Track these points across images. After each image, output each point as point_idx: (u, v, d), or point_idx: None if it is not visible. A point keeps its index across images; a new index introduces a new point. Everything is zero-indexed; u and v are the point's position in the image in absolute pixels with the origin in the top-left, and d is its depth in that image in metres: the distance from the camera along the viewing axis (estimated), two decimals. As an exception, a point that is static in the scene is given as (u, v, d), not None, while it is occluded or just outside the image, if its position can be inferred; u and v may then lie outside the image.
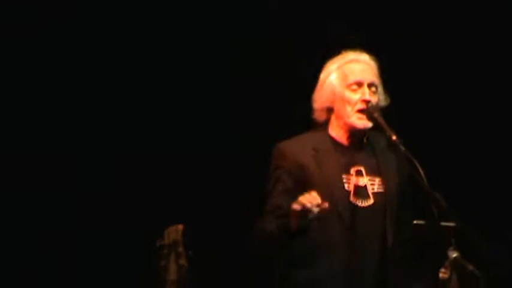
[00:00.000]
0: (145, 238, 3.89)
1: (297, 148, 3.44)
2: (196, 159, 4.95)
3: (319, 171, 3.34)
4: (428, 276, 3.65)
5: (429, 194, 3.29)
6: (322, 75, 3.53)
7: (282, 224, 3.25)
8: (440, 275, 3.60)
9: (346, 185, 3.37)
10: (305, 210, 3.07)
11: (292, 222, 3.15)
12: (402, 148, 3.29)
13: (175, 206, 4.59)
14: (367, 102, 3.36)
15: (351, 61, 3.50)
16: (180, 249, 3.78)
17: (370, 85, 3.40)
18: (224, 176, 4.77)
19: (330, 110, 3.44)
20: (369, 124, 3.35)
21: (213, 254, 4.57)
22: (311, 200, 3.07)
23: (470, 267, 3.60)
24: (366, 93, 3.38)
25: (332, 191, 3.31)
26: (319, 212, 3.09)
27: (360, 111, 3.35)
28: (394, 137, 3.31)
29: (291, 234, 3.22)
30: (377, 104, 3.40)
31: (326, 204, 3.15)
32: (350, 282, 3.39)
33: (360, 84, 3.41)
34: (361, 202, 3.44)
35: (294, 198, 3.18)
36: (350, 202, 3.40)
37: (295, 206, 3.10)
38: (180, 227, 3.80)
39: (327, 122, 3.49)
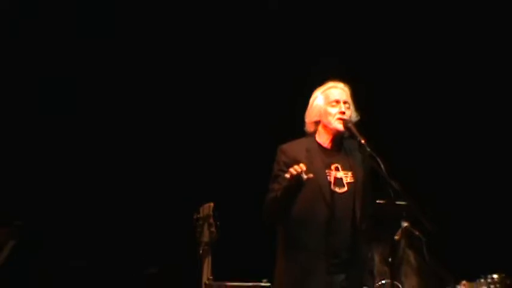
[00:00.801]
0: (187, 212, 5.20)
1: (294, 148, 4.69)
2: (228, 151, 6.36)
3: (310, 166, 4.52)
4: (386, 239, 4.86)
5: (387, 182, 4.39)
6: (311, 100, 4.82)
7: (282, 189, 4.46)
8: (395, 237, 5.00)
9: (328, 177, 4.59)
10: (297, 176, 4.29)
11: (287, 185, 4.38)
12: (368, 149, 4.45)
13: (208, 188, 5.86)
14: (343, 113, 4.59)
15: (331, 87, 4.78)
16: (211, 220, 5.10)
17: (344, 102, 4.65)
18: (247, 164, 6.06)
19: (317, 123, 4.67)
20: (343, 129, 4.57)
21: (236, 224, 5.72)
22: (297, 168, 4.30)
23: (416, 233, 5.07)
24: (342, 107, 4.63)
25: (318, 181, 4.53)
26: (306, 179, 4.33)
27: (339, 118, 4.57)
28: (363, 141, 4.48)
29: (288, 196, 4.44)
30: (351, 117, 4.62)
31: (311, 175, 4.39)
32: (330, 245, 4.57)
33: (337, 102, 4.67)
34: (339, 189, 4.67)
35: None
36: (331, 189, 4.62)
37: (287, 174, 4.34)
38: (211, 204, 5.12)
39: (314, 132, 4.72)
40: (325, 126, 4.71)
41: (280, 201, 4.54)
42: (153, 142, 6.97)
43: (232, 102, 7.02)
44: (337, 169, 4.66)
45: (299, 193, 4.49)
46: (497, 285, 5.28)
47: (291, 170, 4.37)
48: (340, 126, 4.58)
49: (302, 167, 4.37)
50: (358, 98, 4.93)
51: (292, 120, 5.39)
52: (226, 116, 6.96)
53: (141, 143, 7.01)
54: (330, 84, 4.91)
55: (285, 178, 4.44)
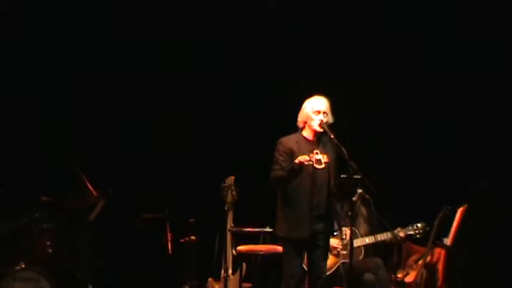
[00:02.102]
0: (218, 183, 7.30)
1: (288, 141, 6.61)
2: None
3: (299, 152, 6.49)
4: (348, 200, 6.88)
5: (348, 163, 6.35)
6: (302, 107, 6.65)
7: (288, 170, 6.44)
8: (353, 199, 7.12)
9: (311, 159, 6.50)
10: (301, 163, 6.22)
11: (294, 168, 6.35)
12: (336, 141, 6.43)
13: (231, 167, 7.81)
14: (321, 120, 6.49)
15: (316, 100, 6.63)
16: (233, 187, 7.23)
17: (324, 112, 6.53)
18: (256, 151, 7.65)
19: (304, 123, 6.59)
20: (321, 130, 6.50)
21: (248, 190, 7.53)
22: (304, 158, 6.24)
23: (367, 196, 7.21)
24: (321, 116, 6.52)
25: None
26: (307, 164, 6.27)
27: (318, 125, 6.48)
28: (332, 136, 6.45)
29: (293, 175, 6.42)
30: (327, 121, 6.52)
31: (311, 162, 6.35)
32: (313, 203, 6.48)
33: (319, 112, 6.54)
34: (319, 166, 6.56)
35: (287, 163, 6.39)
36: (314, 167, 6.52)
37: (297, 160, 6.26)
38: (233, 177, 7.29)
39: (302, 129, 6.62)
40: (310, 126, 6.56)
41: (286, 179, 6.42)
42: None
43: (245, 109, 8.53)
44: (317, 153, 6.52)
45: (300, 173, 6.34)
46: (420, 231, 7.18)
47: (300, 158, 6.25)
48: (318, 128, 6.47)
49: (305, 157, 6.28)
50: (334, 106, 6.63)
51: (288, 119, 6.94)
52: (240, 119, 8.49)
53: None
54: (316, 97, 6.76)
55: (293, 162, 6.34)
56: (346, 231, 7.11)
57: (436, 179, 8.08)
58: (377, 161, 7.63)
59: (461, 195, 7.38)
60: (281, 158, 6.63)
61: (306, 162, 6.37)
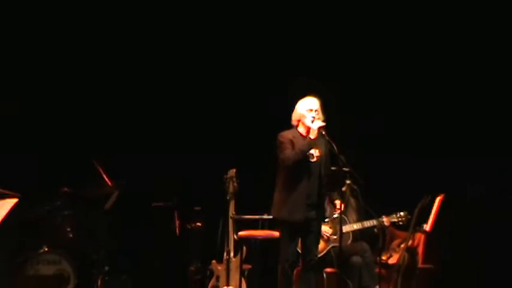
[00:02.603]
0: (221, 175, 7.85)
1: (287, 134, 7.08)
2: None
3: (297, 145, 6.97)
4: (338, 190, 7.44)
5: (338, 156, 6.94)
6: (296, 106, 7.15)
7: (302, 151, 6.91)
8: (343, 189, 7.64)
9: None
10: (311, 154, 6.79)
11: (304, 151, 6.87)
12: (326, 137, 6.97)
13: (233, 161, 8.19)
14: (313, 117, 7.01)
15: (308, 100, 7.14)
16: (234, 179, 7.82)
17: (315, 110, 7.05)
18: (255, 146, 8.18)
19: (298, 121, 7.11)
20: (314, 126, 6.93)
21: (248, 182, 8.02)
22: (315, 151, 6.82)
23: (355, 187, 7.67)
24: (313, 113, 7.03)
25: None
26: (313, 155, 6.84)
27: (310, 120, 6.98)
28: (324, 132, 6.98)
29: (302, 157, 6.93)
30: (319, 118, 7.00)
31: (317, 155, 6.92)
32: (307, 191, 7.00)
33: (311, 109, 7.06)
34: (312, 159, 7.07)
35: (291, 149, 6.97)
36: (308, 159, 7.03)
37: (311, 151, 6.93)
38: (234, 169, 7.87)
39: (297, 126, 7.12)
40: (303, 123, 7.07)
41: (298, 157, 6.97)
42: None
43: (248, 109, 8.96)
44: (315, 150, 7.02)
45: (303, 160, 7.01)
46: (402, 218, 7.64)
47: (311, 151, 7.00)
48: (311, 124, 6.96)
49: (316, 150, 7.04)
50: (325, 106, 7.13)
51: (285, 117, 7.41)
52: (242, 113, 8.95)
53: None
54: (308, 97, 7.25)
55: (305, 146, 6.97)
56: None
57: (416, 173, 8.41)
58: (365, 156, 7.98)
59: (439, 186, 7.72)
60: (287, 145, 7.14)
61: (314, 153, 7.01)
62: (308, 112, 7.12)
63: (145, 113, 9.19)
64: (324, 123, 7.13)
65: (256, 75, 9.10)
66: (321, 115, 7.21)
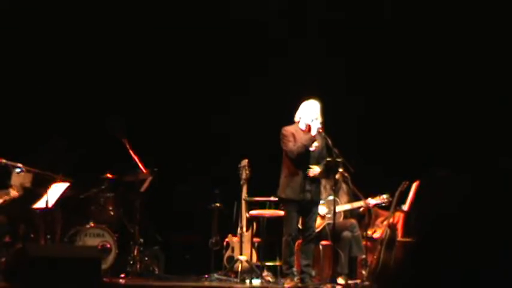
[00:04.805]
0: (237, 164, 8.66)
1: (290, 128, 7.85)
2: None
3: (299, 139, 7.78)
4: (332, 176, 8.10)
5: (332, 149, 7.79)
6: (300, 108, 7.90)
7: (304, 145, 7.63)
8: (336, 176, 8.21)
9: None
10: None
11: (306, 145, 7.63)
12: (323, 133, 7.83)
13: (245, 152, 8.89)
14: (316, 118, 7.84)
15: (311, 102, 7.93)
16: (247, 167, 8.60)
17: (317, 114, 7.78)
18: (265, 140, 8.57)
19: (300, 118, 7.88)
20: (314, 124, 7.78)
21: (258, 170, 8.73)
22: (316, 145, 7.57)
23: (346, 174, 8.16)
24: (315, 115, 7.79)
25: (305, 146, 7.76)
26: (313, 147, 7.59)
27: (311, 121, 7.81)
28: (321, 130, 7.82)
29: (304, 150, 7.70)
30: (317, 118, 7.81)
31: (317, 145, 7.67)
32: (307, 179, 7.82)
33: (313, 112, 7.79)
34: (312, 149, 7.87)
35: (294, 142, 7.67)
36: (309, 150, 7.85)
37: (314, 146, 7.67)
38: (247, 160, 8.65)
39: (298, 122, 7.88)
40: (305, 122, 7.90)
41: (301, 148, 7.73)
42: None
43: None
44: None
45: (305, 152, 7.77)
46: (385, 200, 8.24)
47: (314, 144, 7.74)
48: (310, 123, 7.78)
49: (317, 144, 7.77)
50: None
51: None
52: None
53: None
54: (311, 101, 7.94)
55: (307, 141, 7.69)
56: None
57: (397, 161, 9.17)
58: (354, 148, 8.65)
59: (415, 173, 8.24)
60: (290, 138, 7.86)
61: (314, 147, 7.79)
62: (310, 114, 7.93)
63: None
64: (321, 125, 7.87)
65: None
66: (319, 117, 7.94)
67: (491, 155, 7.82)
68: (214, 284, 8.36)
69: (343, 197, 8.67)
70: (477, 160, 7.40)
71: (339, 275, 8.22)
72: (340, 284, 8.07)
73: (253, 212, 8.83)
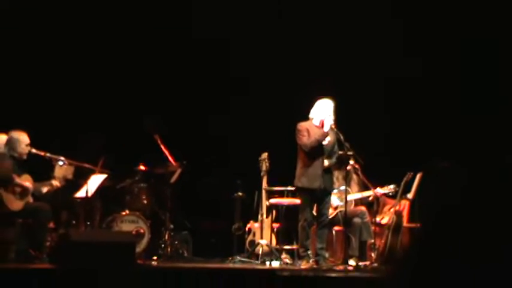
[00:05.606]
0: (257, 157, 9.08)
1: (304, 124, 8.13)
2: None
3: (312, 134, 8.21)
4: (344, 168, 8.45)
5: (343, 143, 8.17)
6: (316, 106, 8.25)
7: (317, 140, 7.96)
8: (348, 168, 8.58)
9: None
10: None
11: (320, 140, 7.97)
12: (335, 129, 8.25)
13: (266, 146, 9.23)
14: (329, 115, 8.25)
15: (327, 103, 8.23)
16: (266, 160, 9.09)
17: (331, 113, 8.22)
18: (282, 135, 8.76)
19: (314, 115, 8.34)
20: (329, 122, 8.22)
21: (277, 162, 9.09)
22: (328, 139, 8.00)
23: (356, 166, 8.69)
24: (330, 114, 8.21)
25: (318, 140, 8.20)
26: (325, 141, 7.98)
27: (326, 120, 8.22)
28: (333, 126, 8.26)
29: (318, 145, 8.05)
30: (330, 115, 8.23)
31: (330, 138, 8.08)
32: (322, 168, 8.11)
33: (329, 112, 8.15)
34: (325, 143, 8.20)
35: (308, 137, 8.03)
36: (322, 143, 8.27)
37: (326, 141, 8.00)
38: (266, 153, 9.11)
39: (312, 119, 8.26)
40: (319, 118, 8.24)
41: (315, 143, 8.04)
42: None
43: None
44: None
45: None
46: (392, 189, 8.53)
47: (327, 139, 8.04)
48: (324, 119, 8.19)
49: (329, 138, 8.06)
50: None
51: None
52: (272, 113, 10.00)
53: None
54: (326, 100, 8.26)
55: (320, 137, 8.01)
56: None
57: (402, 154, 9.53)
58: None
59: (419, 165, 8.55)
60: (304, 133, 8.18)
61: (326, 141, 8.16)
62: (326, 113, 8.35)
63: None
64: (333, 122, 8.25)
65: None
66: (332, 114, 8.35)
67: (496, 148, 7.75)
68: (238, 265, 8.65)
69: (354, 187, 9.00)
70: (480, 154, 6.96)
71: (350, 257, 8.52)
72: (351, 265, 8.29)
73: (273, 201, 9.17)
